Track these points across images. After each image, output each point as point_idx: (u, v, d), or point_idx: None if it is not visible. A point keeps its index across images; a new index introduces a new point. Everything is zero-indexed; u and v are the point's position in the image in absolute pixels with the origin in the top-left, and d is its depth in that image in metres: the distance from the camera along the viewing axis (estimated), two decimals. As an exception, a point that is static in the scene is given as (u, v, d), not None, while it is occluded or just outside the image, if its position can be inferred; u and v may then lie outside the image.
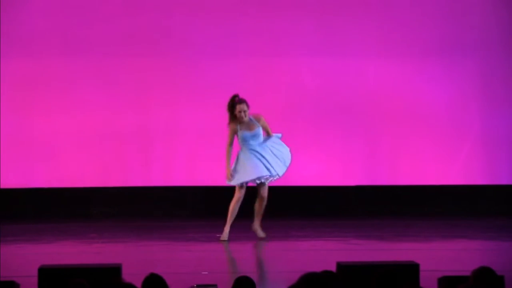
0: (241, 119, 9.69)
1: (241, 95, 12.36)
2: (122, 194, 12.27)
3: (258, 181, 9.78)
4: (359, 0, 12.43)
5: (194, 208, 12.37)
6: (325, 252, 9.13)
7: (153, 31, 12.21)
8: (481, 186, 12.54)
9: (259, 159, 9.75)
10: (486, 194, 12.49)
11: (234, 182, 9.78)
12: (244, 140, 9.76)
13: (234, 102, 9.76)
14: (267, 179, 9.81)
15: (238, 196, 9.78)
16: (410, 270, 5.77)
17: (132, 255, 8.90)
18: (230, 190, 12.31)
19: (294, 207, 12.36)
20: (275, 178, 9.90)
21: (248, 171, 9.70)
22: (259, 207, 9.89)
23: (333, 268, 5.81)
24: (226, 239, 9.74)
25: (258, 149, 9.78)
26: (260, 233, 9.83)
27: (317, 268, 4.72)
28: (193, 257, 8.91)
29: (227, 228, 9.79)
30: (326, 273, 4.42)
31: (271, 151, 9.85)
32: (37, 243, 9.80)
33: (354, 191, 12.46)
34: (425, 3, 12.46)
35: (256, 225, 9.88)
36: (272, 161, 9.80)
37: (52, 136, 12.09)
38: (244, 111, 9.69)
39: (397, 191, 12.34)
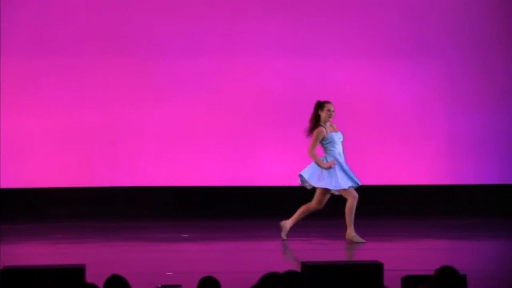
0: (329, 117, 9.67)
1: (207, 95, 12.40)
2: (87, 194, 12.20)
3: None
4: (326, 1, 12.48)
5: (159, 208, 12.33)
6: (290, 252, 9.15)
7: (118, 30, 12.15)
8: (446, 186, 12.63)
9: (345, 171, 9.70)
10: (451, 194, 12.58)
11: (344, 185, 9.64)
12: (333, 141, 9.70)
13: (321, 102, 9.73)
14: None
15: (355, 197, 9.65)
16: (374, 270, 5.80)
17: (97, 255, 8.85)
18: (195, 190, 12.32)
19: (258, 207, 12.37)
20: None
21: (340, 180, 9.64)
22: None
23: (297, 268, 5.82)
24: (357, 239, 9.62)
25: (341, 158, 9.74)
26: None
27: (282, 268, 4.72)
28: (158, 257, 8.88)
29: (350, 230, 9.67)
30: (290, 273, 4.42)
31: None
32: (1, 244, 9.71)
33: (319, 191, 12.47)
34: (391, 3, 12.52)
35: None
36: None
37: (17, 136, 11.99)
38: (333, 110, 9.70)
39: (362, 191, 12.37)
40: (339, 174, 9.61)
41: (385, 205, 12.17)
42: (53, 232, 10.57)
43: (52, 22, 12.07)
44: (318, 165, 9.67)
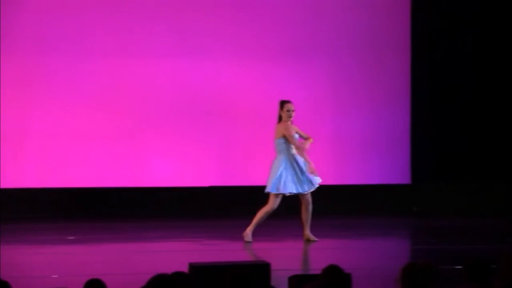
0: (288, 118, 9.55)
1: (94, 96, 12.27)
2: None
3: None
4: (215, 1, 12.49)
5: (44, 210, 12.10)
6: (177, 253, 9.12)
7: (4, 28, 11.89)
8: (331, 186, 12.80)
9: (296, 173, 9.58)
10: (336, 194, 12.76)
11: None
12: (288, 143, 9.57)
13: (282, 102, 9.64)
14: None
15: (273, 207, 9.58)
16: (262, 270, 5.84)
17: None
18: (82, 191, 12.15)
19: (146, 208, 12.30)
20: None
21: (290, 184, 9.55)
22: (305, 214, 9.68)
23: (185, 269, 5.81)
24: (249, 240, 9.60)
25: (298, 159, 9.62)
26: (312, 238, 9.69)
27: (170, 269, 4.71)
28: (43, 260, 8.72)
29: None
30: (177, 274, 4.41)
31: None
32: None
33: (206, 191, 12.50)
34: (279, 6, 12.63)
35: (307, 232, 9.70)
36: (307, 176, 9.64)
37: None
38: (292, 110, 9.58)
39: (250, 192, 12.44)
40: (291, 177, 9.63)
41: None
42: None
43: None
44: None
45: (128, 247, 9.69)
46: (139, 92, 12.33)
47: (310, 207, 9.73)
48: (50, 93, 12.07)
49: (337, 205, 12.67)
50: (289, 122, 9.66)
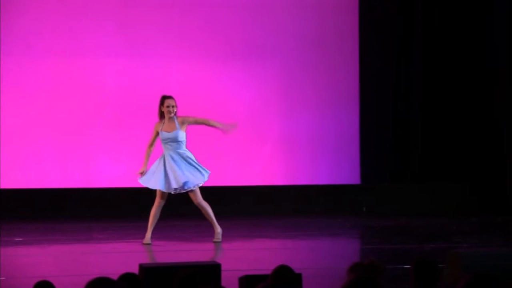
0: (168, 114, 9.49)
1: (43, 96, 12.18)
2: None
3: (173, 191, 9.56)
4: (162, 1, 12.46)
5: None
6: (127, 254, 9.08)
7: None
8: (280, 186, 12.85)
9: (169, 170, 9.49)
10: (286, 194, 12.82)
11: (144, 183, 9.56)
12: (162, 140, 9.54)
13: (162, 97, 9.60)
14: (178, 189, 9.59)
15: (158, 201, 9.57)
16: (212, 270, 5.83)
17: None
18: (29, 192, 12.03)
19: (95, 209, 12.23)
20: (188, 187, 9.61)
21: (154, 180, 9.48)
22: (205, 215, 9.64)
23: (135, 270, 5.78)
24: (148, 242, 9.54)
25: (174, 157, 9.53)
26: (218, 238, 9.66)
27: (119, 270, 4.68)
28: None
29: (148, 233, 9.57)
30: (126, 276, 4.38)
31: (187, 162, 9.60)
32: None
33: (155, 192, 12.44)
34: (228, 7, 12.64)
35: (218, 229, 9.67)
36: (184, 172, 9.53)
37: None
38: (172, 106, 9.51)
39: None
40: (158, 175, 9.60)
41: (222, 206, 12.29)
42: None
43: None
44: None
45: (77, 248, 9.61)
46: (87, 92, 12.25)
47: (203, 209, 9.77)
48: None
49: (287, 205, 12.72)
50: (165, 121, 9.60)
